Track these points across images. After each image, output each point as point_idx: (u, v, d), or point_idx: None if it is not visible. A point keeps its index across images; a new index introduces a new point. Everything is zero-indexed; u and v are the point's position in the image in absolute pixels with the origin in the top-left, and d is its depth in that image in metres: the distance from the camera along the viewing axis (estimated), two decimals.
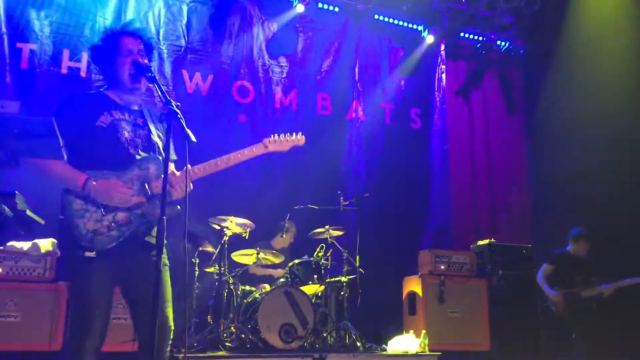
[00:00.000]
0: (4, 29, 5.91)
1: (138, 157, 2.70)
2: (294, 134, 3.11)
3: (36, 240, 4.57)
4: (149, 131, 2.79)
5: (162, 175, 2.64)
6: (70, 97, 2.75)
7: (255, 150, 2.97)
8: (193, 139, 2.43)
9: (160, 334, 2.59)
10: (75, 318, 2.60)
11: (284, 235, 6.25)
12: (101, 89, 2.86)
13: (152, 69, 2.72)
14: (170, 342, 2.72)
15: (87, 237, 2.53)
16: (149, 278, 2.62)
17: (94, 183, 2.56)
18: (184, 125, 2.39)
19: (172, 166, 2.85)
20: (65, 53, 6.18)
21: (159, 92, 2.45)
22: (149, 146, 2.77)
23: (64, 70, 6.16)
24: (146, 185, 2.67)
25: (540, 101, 7.86)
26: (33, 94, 5.81)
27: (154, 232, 2.68)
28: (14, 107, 1.76)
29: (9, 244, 4.52)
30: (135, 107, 2.85)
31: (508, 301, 5.96)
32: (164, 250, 2.69)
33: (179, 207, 2.68)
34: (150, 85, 2.66)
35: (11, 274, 4.51)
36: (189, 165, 2.69)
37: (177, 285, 5.02)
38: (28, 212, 1.95)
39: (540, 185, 7.57)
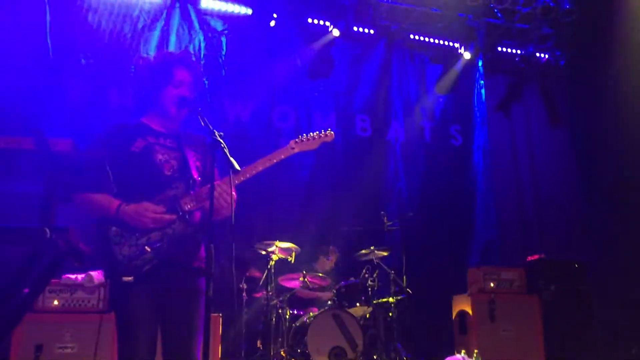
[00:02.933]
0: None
1: (170, 178, 2.74)
2: (322, 131, 3.07)
3: (90, 272, 4.71)
4: (184, 155, 2.82)
5: (192, 192, 2.70)
6: (107, 128, 2.85)
7: (284, 152, 2.94)
8: (237, 167, 2.47)
9: None
10: (121, 344, 2.64)
11: (327, 259, 6.27)
12: (141, 118, 2.92)
13: (197, 101, 2.78)
14: None
15: (124, 262, 2.57)
16: (180, 307, 2.68)
17: (126, 208, 2.60)
18: (227, 153, 2.44)
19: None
20: (113, 91, 6.37)
21: (203, 123, 2.53)
22: (184, 168, 2.80)
23: (113, 106, 6.35)
24: (176, 203, 2.70)
25: (585, 111, 7.70)
26: (84, 130, 5.99)
27: (195, 253, 2.75)
28: (67, 144, 1.83)
29: (64, 277, 4.67)
30: (172, 133, 2.90)
31: (563, 317, 5.77)
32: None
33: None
34: (198, 117, 2.71)
35: (67, 306, 4.64)
36: (234, 194, 2.71)
37: (227, 311, 5.13)
38: (81, 246, 2.02)
39: (590, 198, 7.38)
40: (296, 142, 2.99)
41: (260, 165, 2.85)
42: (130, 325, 2.61)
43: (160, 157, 2.77)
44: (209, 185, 2.55)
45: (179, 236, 2.68)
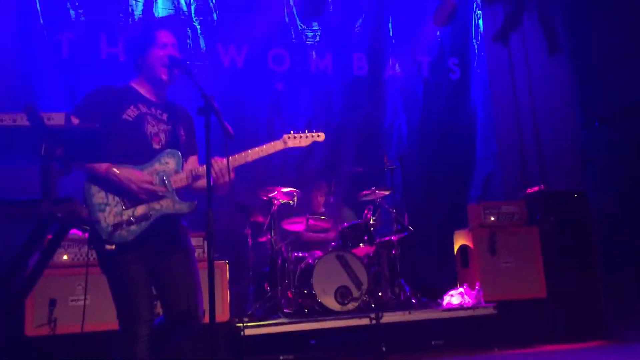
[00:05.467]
0: (41, 21, 6.05)
1: (158, 151, 2.79)
2: (314, 131, 3.19)
3: None
4: (173, 127, 2.86)
5: (181, 171, 2.77)
6: (96, 91, 2.84)
7: (275, 146, 3.03)
8: (230, 132, 2.47)
9: (181, 325, 2.74)
10: (118, 307, 2.74)
11: (319, 194, 6.31)
12: (131, 82, 2.93)
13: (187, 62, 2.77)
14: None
15: (107, 230, 2.63)
16: (173, 267, 2.76)
17: (116, 170, 2.64)
18: (220, 118, 2.43)
19: (194, 159, 2.96)
20: (103, 39, 6.30)
21: (194, 83, 2.51)
22: (173, 141, 2.85)
23: (103, 57, 6.29)
24: (165, 179, 2.75)
25: (584, 38, 7.55)
26: (75, 84, 5.96)
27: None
28: (61, 118, 1.84)
29: (71, 231, 4.75)
30: (161, 102, 2.93)
31: (563, 248, 5.87)
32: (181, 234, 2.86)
33: (195, 202, 2.78)
34: (188, 77, 2.70)
35: (76, 260, 4.76)
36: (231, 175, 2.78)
37: (233, 256, 5.26)
38: (84, 214, 2.06)
39: (589, 127, 7.34)
40: (289, 137, 3.08)
41: (251, 156, 2.91)
42: (124, 289, 2.70)
43: (150, 128, 2.80)
44: (193, 165, 2.64)
45: (165, 213, 2.74)
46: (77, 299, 4.61)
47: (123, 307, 2.71)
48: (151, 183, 2.69)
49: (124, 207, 2.66)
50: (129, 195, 2.67)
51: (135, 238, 2.65)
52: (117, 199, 2.66)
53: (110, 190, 2.66)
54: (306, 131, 3.15)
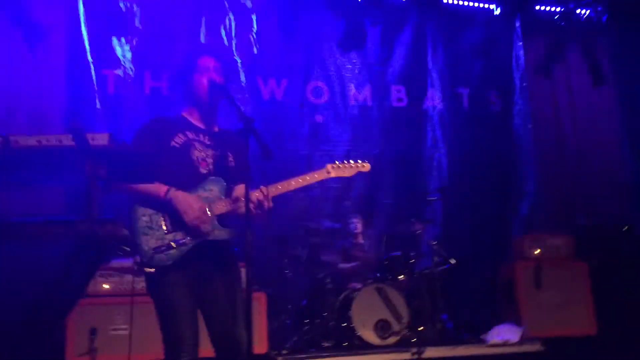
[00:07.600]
0: (89, 58, 6.26)
1: (205, 176, 2.80)
2: (359, 161, 3.12)
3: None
4: (222, 154, 2.87)
5: (224, 197, 2.77)
6: (148, 123, 2.91)
7: (317, 175, 2.98)
8: (270, 151, 2.46)
9: (228, 351, 2.70)
10: (163, 332, 2.71)
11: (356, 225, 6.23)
12: (182, 112, 2.99)
13: (227, 86, 2.78)
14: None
15: (148, 254, 2.64)
16: (216, 293, 2.74)
17: (176, 192, 2.67)
18: (259, 139, 2.43)
19: (242, 188, 2.92)
20: (147, 74, 6.47)
21: (235, 107, 2.53)
22: (220, 166, 2.86)
23: (147, 91, 6.45)
24: (207, 206, 2.74)
25: (630, 68, 7.39)
26: (120, 118, 6.13)
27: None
28: (104, 138, 1.87)
29: (113, 261, 4.79)
30: (214, 129, 2.97)
31: (614, 282, 5.63)
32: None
33: (235, 230, 2.78)
34: (229, 102, 2.72)
35: (117, 289, 4.78)
36: (264, 188, 2.74)
37: (271, 287, 5.22)
38: (123, 234, 2.06)
39: (637, 158, 7.12)
40: (333, 167, 3.03)
41: (294, 183, 2.88)
42: (169, 313, 2.68)
43: (197, 153, 2.83)
44: (241, 191, 2.62)
45: (206, 238, 2.73)
46: (118, 328, 4.62)
47: (165, 329, 2.69)
48: (204, 210, 2.70)
49: (165, 232, 2.68)
50: (175, 220, 2.68)
51: (174, 262, 2.65)
52: (160, 223, 2.68)
53: (156, 213, 2.68)
54: (350, 161, 3.09)
